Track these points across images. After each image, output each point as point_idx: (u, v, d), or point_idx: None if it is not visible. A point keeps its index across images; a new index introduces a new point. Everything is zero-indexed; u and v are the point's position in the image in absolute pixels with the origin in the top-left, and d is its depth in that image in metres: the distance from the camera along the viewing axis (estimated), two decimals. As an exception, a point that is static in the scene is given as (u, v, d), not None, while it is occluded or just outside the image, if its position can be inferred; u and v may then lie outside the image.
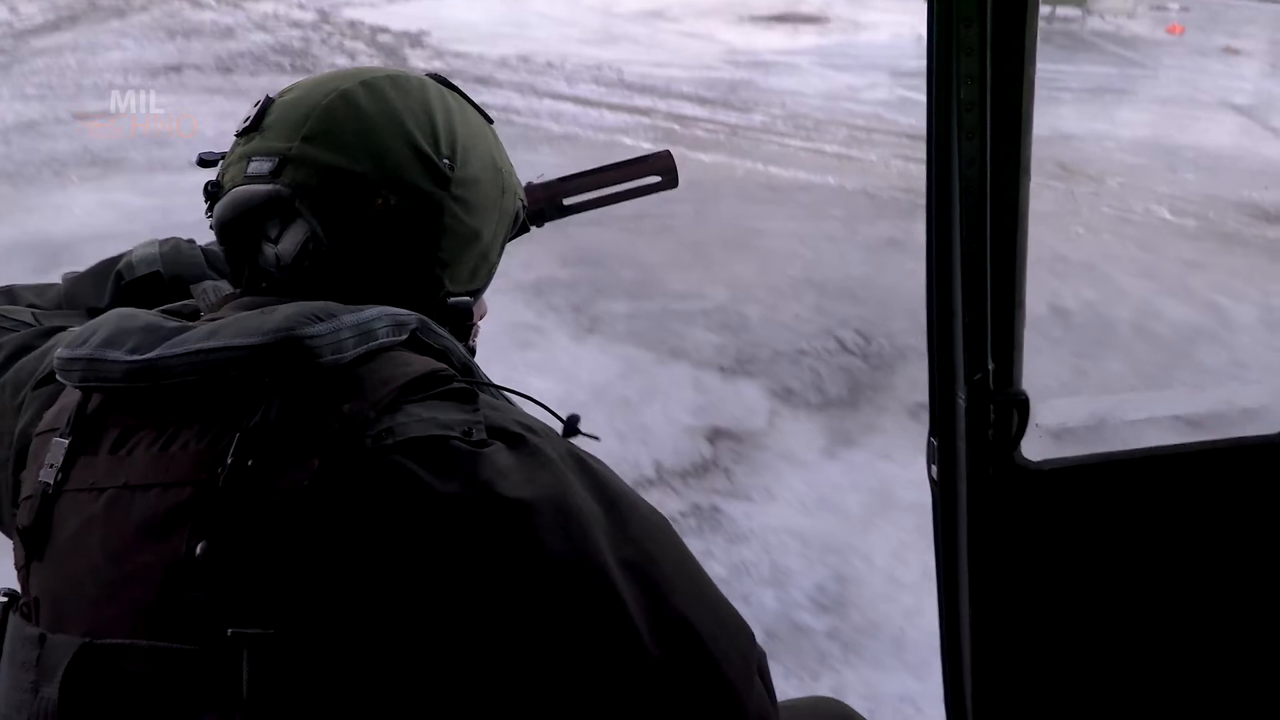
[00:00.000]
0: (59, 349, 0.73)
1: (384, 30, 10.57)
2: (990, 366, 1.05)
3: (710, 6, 13.00)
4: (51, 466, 0.71)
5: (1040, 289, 5.32)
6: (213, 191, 0.81)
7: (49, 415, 0.76)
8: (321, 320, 0.67)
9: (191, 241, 1.05)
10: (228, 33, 9.71)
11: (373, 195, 0.77)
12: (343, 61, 9.00)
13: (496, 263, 0.88)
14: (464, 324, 0.84)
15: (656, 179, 1.18)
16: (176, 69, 8.33)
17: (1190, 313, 5.22)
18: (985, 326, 1.04)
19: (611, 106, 8.11)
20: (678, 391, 4.14)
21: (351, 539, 0.62)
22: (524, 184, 1.00)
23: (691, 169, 6.83)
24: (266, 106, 0.81)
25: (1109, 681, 1.27)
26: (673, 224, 5.87)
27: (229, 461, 0.63)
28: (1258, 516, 1.23)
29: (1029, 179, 1.01)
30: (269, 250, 0.80)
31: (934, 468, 1.16)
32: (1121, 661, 1.26)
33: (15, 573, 0.74)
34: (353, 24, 10.84)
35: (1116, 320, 4.90)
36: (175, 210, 5.60)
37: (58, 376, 0.74)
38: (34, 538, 0.71)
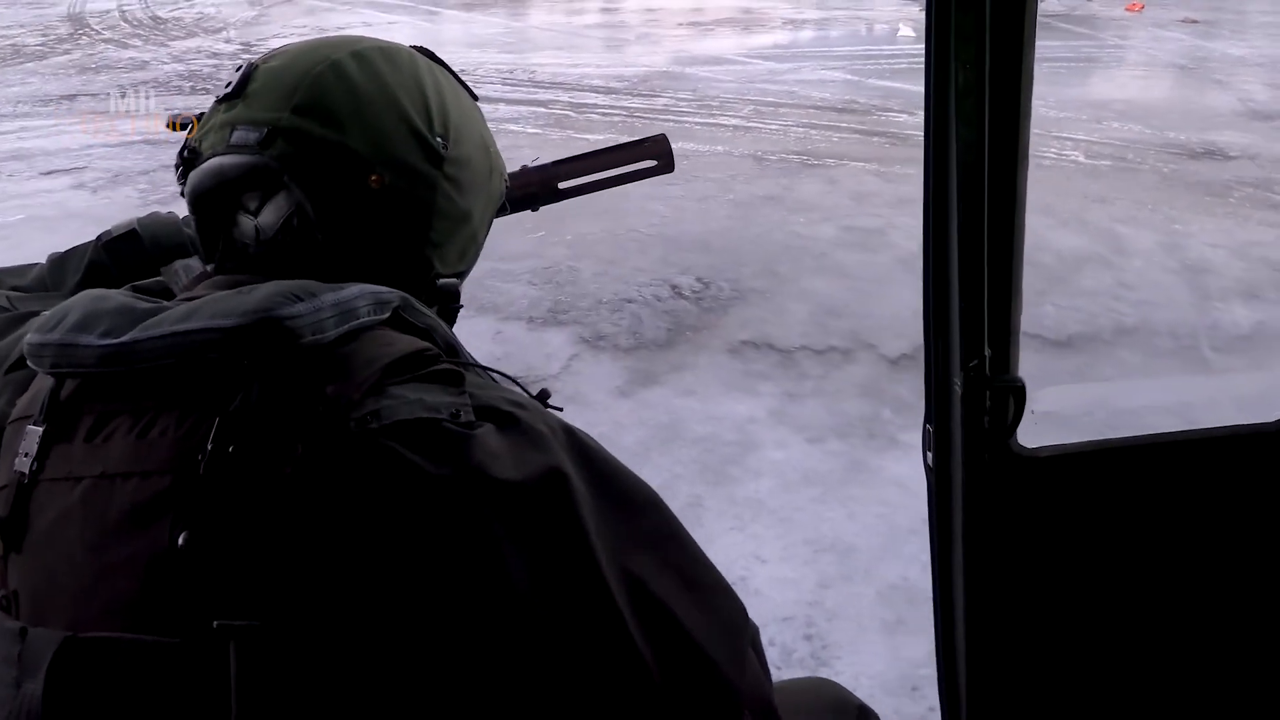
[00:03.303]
0: (29, 334, 0.70)
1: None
2: (986, 353, 1.04)
3: (657, 17, 12.82)
4: (26, 455, 0.67)
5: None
6: (188, 159, 0.77)
7: (22, 402, 0.72)
8: (301, 300, 0.64)
9: (171, 212, 1.04)
10: (141, 66, 9.63)
11: (367, 172, 0.75)
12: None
13: (482, 244, 0.87)
14: (451, 306, 0.82)
15: (652, 163, 1.17)
16: (71, 97, 8.22)
17: (1082, 242, 4.77)
18: (982, 313, 1.03)
19: (510, 101, 7.85)
20: (472, 342, 3.70)
21: (339, 525, 0.59)
22: (519, 167, 1.03)
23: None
24: (250, 73, 0.77)
25: (1105, 668, 1.25)
26: (530, 194, 5.52)
27: (209, 448, 0.60)
28: (1254, 506, 1.21)
29: (1027, 166, 0.99)
30: (246, 223, 0.76)
31: (930, 454, 1.15)
32: (1117, 649, 1.25)
33: None
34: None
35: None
36: (3, 211, 5.43)
37: (29, 363, 0.70)
38: (11, 529, 0.67)
